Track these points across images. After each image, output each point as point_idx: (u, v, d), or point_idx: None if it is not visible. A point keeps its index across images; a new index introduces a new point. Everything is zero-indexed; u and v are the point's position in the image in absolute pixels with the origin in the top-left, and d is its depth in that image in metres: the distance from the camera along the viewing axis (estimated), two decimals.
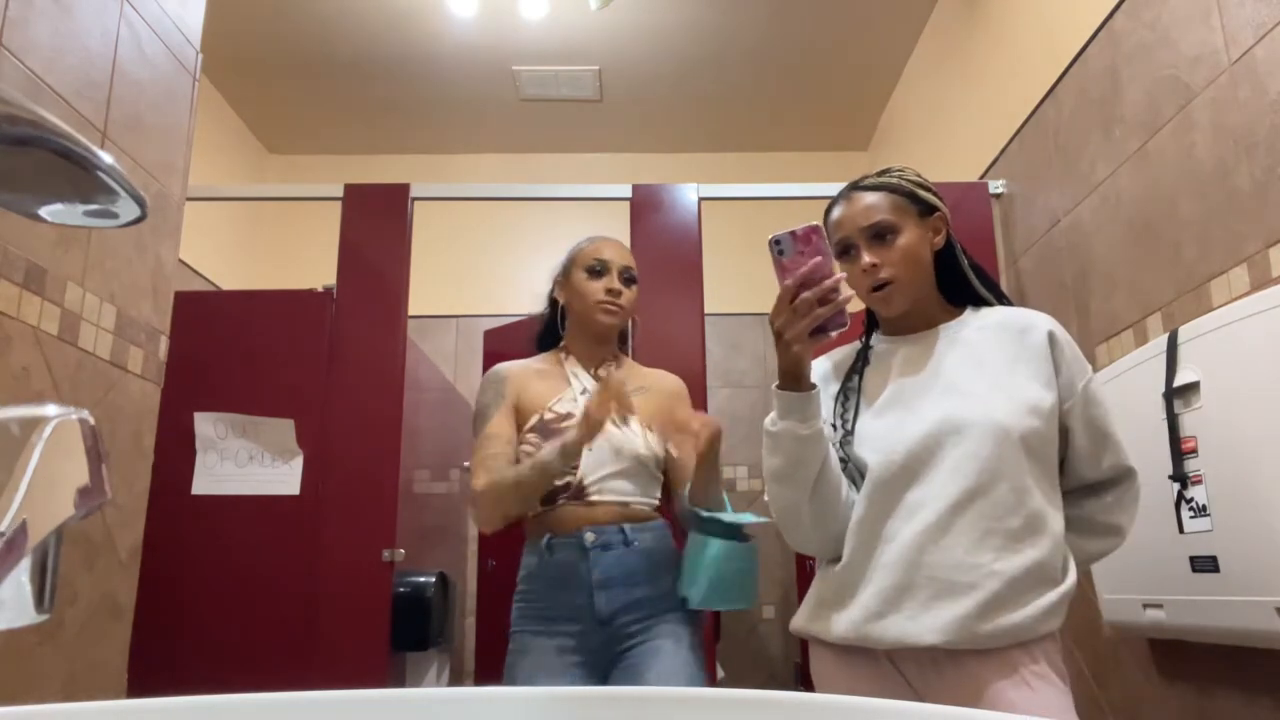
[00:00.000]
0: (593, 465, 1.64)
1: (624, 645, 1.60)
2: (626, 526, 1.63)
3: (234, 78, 3.67)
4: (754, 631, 3.87)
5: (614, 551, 1.61)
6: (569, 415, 1.67)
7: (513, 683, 1.60)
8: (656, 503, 1.72)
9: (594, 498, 1.64)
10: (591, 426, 1.52)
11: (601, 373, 1.75)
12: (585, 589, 1.60)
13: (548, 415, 1.68)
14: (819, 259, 1.16)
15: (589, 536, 1.61)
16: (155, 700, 0.50)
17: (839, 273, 1.16)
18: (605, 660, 1.60)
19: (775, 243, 1.18)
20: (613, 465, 1.65)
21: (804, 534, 1.30)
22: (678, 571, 1.65)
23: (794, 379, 1.20)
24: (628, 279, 1.77)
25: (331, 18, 3.32)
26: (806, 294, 1.15)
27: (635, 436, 1.68)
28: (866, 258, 1.31)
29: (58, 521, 0.36)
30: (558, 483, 1.64)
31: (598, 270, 1.75)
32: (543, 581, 1.63)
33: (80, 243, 1.46)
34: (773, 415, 1.25)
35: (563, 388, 1.73)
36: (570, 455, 1.57)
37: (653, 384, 1.79)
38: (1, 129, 0.38)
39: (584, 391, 1.72)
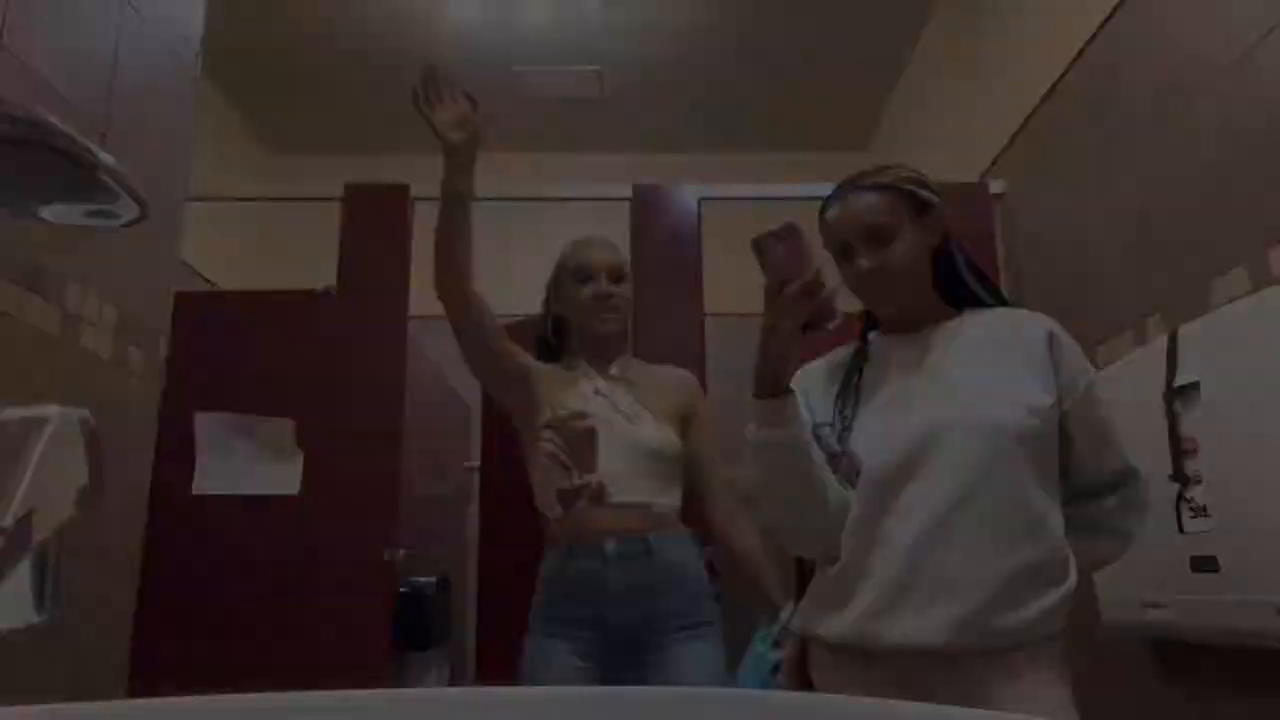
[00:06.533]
0: (610, 464, 1.62)
1: (641, 659, 1.58)
2: (650, 536, 1.61)
3: (234, 78, 3.67)
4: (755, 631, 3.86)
5: (635, 562, 1.60)
6: (582, 415, 1.65)
7: (527, 681, 1.59)
8: (679, 505, 1.70)
9: (616, 499, 1.61)
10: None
11: (614, 370, 1.74)
12: (604, 600, 1.58)
13: (561, 411, 1.67)
14: (797, 254, 1.16)
15: (610, 547, 1.59)
16: (155, 700, 0.50)
17: (818, 264, 1.16)
18: (620, 669, 1.58)
19: (756, 244, 1.18)
20: (628, 462, 1.63)
21: (797, 539, 1.30)
22: (702, 586, 1.64)
23: (772, 383, 1.20)
24: (617, 277, 1.75)
25: (332, 18, 3.32)
26: (790, 289, 1.15)
27: (651, 430, 1.66)
28: (864, 261, 1.30)
29: (58, 521, 0.36)
30: (576, 482, 1.62)
31: (585, 276, 1.74)
32: (562, 586, 1.62)
33: (80, 243, 1.46)
34: (751, 425, 1.24)
35: (576, 384, 1.72)
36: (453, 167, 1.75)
37: (663, 381, 1.77)
38: (1, 129, 0.38)
39: (596, 391, 1.71)
